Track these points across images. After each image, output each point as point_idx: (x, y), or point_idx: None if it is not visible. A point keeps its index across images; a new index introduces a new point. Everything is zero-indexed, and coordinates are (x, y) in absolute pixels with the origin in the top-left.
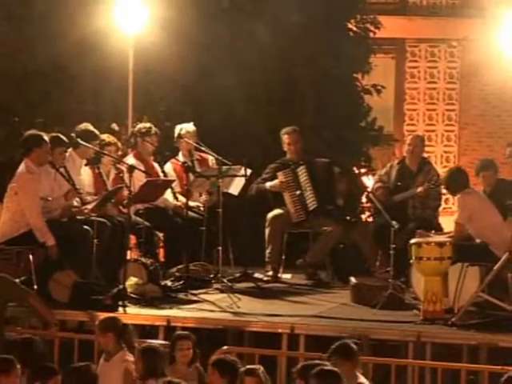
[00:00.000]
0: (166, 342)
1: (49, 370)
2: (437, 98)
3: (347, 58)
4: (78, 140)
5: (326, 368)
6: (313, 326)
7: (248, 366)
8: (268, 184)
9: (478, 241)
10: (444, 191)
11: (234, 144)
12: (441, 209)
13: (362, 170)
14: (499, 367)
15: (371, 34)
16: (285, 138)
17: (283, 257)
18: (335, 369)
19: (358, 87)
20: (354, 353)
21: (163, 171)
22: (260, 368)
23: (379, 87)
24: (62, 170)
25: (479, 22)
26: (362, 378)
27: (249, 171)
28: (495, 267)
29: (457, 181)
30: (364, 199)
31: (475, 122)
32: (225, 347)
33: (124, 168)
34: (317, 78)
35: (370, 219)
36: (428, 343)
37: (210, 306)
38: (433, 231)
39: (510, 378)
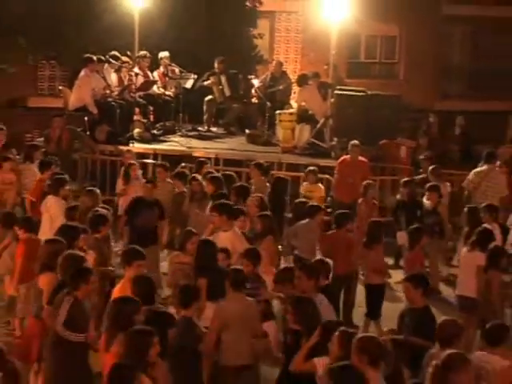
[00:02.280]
0: (153, 161)
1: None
2: (290, 41)
3: (245, 20)
4: (110, 59)
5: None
6: (227, 154)
7: (194, 174)
8: (205, 82)
9: (310, 112)
10: (294, 88)
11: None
12: (292, 96)
13: (253, 77)
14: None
15: (258, 7)
16: (216, 64)
17: (213, 119)
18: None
19: (250, 35)
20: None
21: (153, 76)
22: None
23: (262, 35)
24: (101, 74)
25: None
26: None
27: (196, 76)
28: (318, 125)
29: (302, 79)
30: (253, 91)
31: (310, 54)
32: (182, 164)
33: (133, 74)
34: (232, 32)
35: (256, 101)
36: (284, 163)
37: (175, 143)
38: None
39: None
